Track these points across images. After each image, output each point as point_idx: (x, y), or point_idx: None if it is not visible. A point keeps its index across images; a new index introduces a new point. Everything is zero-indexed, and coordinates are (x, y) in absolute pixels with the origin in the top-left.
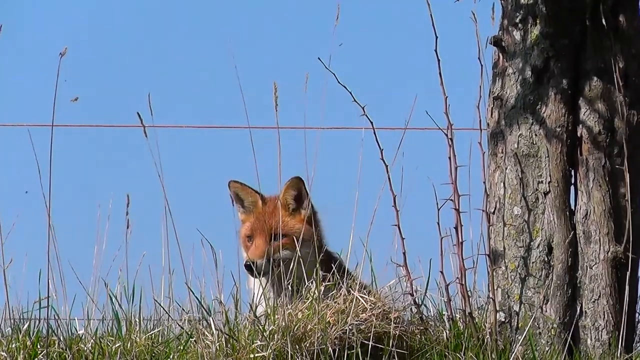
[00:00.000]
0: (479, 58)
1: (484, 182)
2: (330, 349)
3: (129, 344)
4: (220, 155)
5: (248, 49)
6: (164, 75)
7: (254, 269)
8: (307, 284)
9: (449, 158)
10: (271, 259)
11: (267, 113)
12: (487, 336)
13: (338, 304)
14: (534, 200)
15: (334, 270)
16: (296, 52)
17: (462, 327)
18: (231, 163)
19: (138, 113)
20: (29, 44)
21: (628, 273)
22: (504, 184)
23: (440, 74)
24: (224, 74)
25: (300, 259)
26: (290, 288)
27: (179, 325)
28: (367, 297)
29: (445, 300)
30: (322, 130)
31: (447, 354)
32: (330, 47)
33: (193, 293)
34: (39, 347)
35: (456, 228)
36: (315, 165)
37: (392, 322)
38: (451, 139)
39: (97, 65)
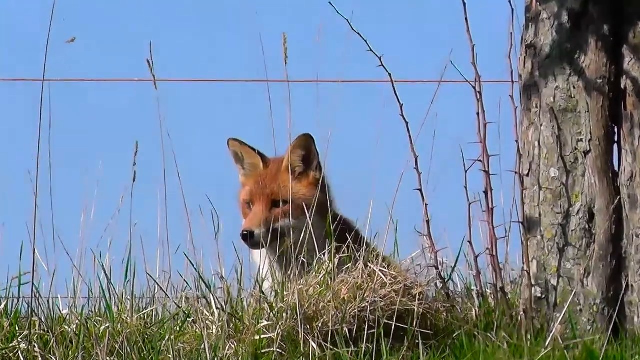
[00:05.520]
0: (509, 1)
1: (517, 141)
2: (345, 329)
3: (119, 325)
4: (222, 112)
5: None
6: (166, 22)
7: (251, 240)
8: (318, 256)
9: (477, 114)
10: (270, 229)
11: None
12: (522, 314)
13: (354, 278)
14: (572, 161)
15: (349, 241)
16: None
17: (493, 304)
18: (235, 121)
19: (148, 61)
20: None
21: None
22: (538, 142)
23: (466, 19)
24: (228, 25)
25: (311, 229)
26: (299, 261)
27: (175, 303)
28: (387, 270)
29: (474, 274)
30: (339, 84)
31: (476, 334)
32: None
33: (193, 265)
34: (17, 328)
35: (486, 192)
36: (331, 131)
37: (415, 299)
38: (479, 93)
39: (93, 8)
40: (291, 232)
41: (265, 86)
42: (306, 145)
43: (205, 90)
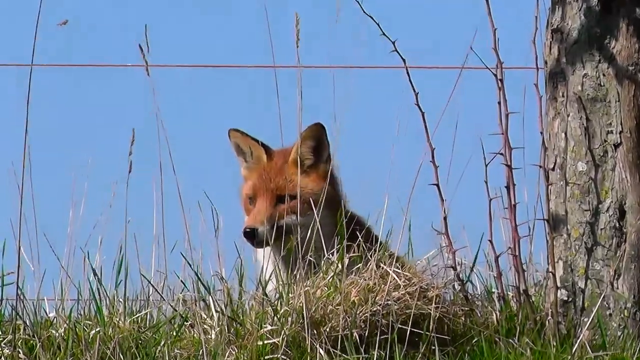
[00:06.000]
0: None
1: (541, 132)
2: (355, 334)
3: (110, 330)
4: (223, 100)
5: None
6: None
7: (254, 238)
8: (326, 255)
9: (499, 103)
10: (275, 226)
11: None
12: (547, 319)
13: (365, 280)
14: (602, 154)
15: (360, 239)
16: None
17: (515, 308)
18: (238, 110)
19: (140, 45)
20: None
21: None
22: (565, 134)
23: (487, 1)
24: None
25: (319, 226)
26: (306, 261)
27: (171, 306)
28: (401, 271)
29: (495, 275)
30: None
31: (497, 339)
32: None
33: (190, 265)
34: (0, 333)
35: (508, 187)
36: (343, 120)
37: (432, 302)
38: (501, 80)
39: None
40: (298, 230)
41: (272, 72)
42: (317, 136)
43: (204, 77)
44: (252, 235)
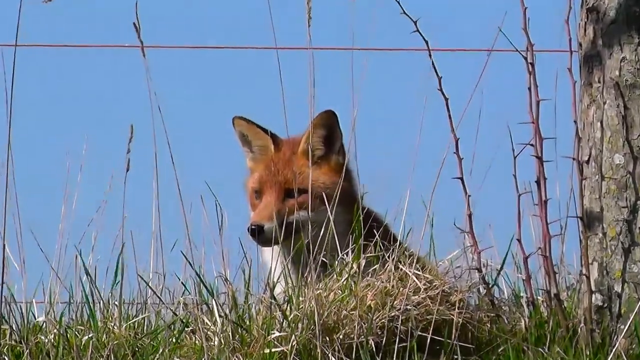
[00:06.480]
0: None
1: (575, 122)
2: (371, 341)
3: (104, 336)
4: (226, 86)
5: None
6: None
7: (260, 235)
8: (340, 255)
9: (529, 89)
10: (284, 222)
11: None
12: (580, 326)
13: (383, 282)
14: None
15: (377, 238)
16: None
17: (545, 314)
18: (244, 96)
19: (135, 24)
20: None
21: None
22: (601, 123)
23: None
24: None
25: (332, 223)
26: (318, 261)
27: (171, 310)
28: (421, 273)
29: (524, 278)
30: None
31: (525, 348)
32: None
33: (192, 265)
34: None
35: (538, 182)
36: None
37: (455, 307)
38: (532, 64)
39: None
40: (309, 227)
41: (276, 54)
42: (329, 124)
43: (204, 60)
44: (258, 233)
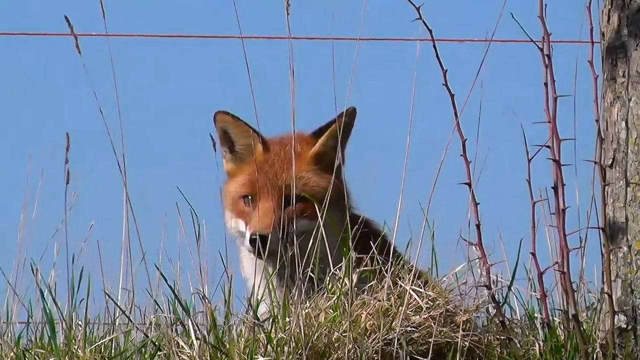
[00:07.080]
0: None
1: (597, 121)
2: None
3: (66, 359)
4: (201, 78)
5: None
6: None
7: (262, 246)
8: (332, 269)
9: (545, 84)
10: (286, 233)
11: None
12: (601, 350)
13: (379, 300)
14: None
15: (374, 250)
16: None
17: (562, 337)
18: (218, 90)
19: (66, 17)
20: None
21: None
22: (626, 123)
23: None
24: None
25: (323, 233)
26: (307, 276)
27: (142, 331)
28: (422, 290)
29: (539, 297)
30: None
31: None
32: None
33: (166, 281)
34: None
35: (555, 188)
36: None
37: (460, 329)
38: (548, 56)
39: None
40: (311, 237)
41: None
42: (349, 127)
43: (170, 49)
44: (261, 244)
